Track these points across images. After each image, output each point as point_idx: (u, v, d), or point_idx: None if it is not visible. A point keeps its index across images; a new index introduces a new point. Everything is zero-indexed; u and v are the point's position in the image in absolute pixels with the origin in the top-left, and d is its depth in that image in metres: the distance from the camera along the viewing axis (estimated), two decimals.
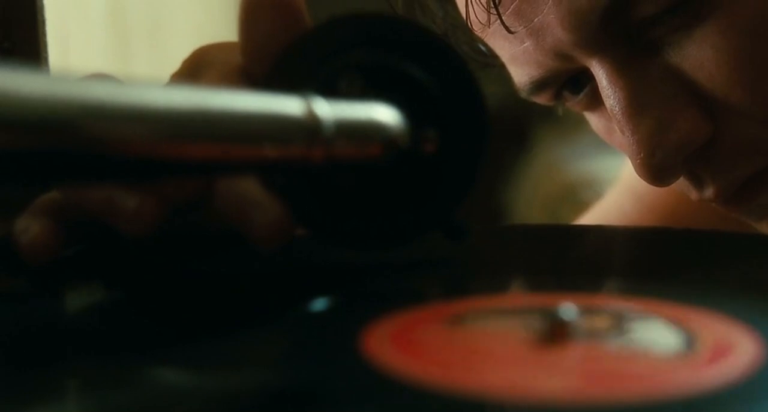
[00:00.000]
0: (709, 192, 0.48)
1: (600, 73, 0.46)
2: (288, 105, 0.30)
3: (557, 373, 0.26)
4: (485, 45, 0.53)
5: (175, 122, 0.26)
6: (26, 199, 0.39)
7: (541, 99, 0.52)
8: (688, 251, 0.40)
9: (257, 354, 0.29)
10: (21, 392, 0.26)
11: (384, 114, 0.34)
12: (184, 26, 1.27)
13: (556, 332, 0.28)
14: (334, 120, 0.31)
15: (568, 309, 0.28)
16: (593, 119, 0.52)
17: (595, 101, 0.49)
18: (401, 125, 0.34)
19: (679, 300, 0.32)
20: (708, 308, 0.31)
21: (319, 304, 0.34)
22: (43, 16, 0.41)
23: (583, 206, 1.53)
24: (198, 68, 0.38)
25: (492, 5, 0.46)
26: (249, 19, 0.36)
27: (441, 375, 0.26)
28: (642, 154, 0.45)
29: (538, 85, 0.50)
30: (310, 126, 0.30)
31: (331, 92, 0.34)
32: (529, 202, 1.78)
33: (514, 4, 0.46)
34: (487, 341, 0.28)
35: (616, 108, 0.45)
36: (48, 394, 0.26)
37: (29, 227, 0.35)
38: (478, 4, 0.47)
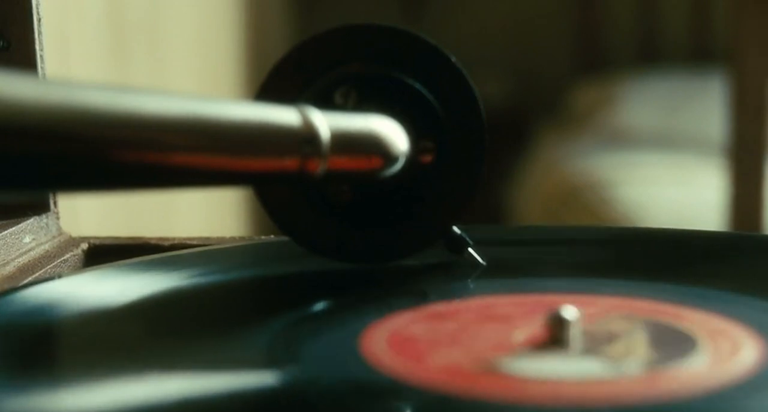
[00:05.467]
0: None
1: None
2: (284, 116, 0.30)
3: (558, 374, 0.26)
4: None
5: (170, 131, 0.26)
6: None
7: None
8: (689, 252, 0.40)
9: (256, 354, 0.29)
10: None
11: (382, 126, 0.33)
12: (183, 26, 1.27)
13: (557, 334, 0.28)
14: (331, 131, 0.30)
15: (570, 311, 0.28)
16: None
17: None
18: (401, 137, 0.34)
19: (681, 301, 0.32)
20: (711, 309, 0.31)
21: (319, 305, 0.34)
22: (39, 14, 0.41)
23: (583, 206, 1.53)
24: None
25: None
26: None
27: (440, 376, 0.26)
28: None
29: None
30: (306, 137, 0.30)
31: (327, 105, 0.33)
32: (529, 203, 1.78)
33: None
34: (486, 342, 0.28)
35: None
36: (42, 394, 0.26)
37: None
38: None
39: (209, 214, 1.39)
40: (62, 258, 0.42)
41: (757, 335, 0.28)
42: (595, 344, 0.28)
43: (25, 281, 0.38)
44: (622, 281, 0.35)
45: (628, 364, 0.26)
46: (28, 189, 0.29)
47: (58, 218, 0.44)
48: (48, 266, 0.40)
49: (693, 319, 0.30)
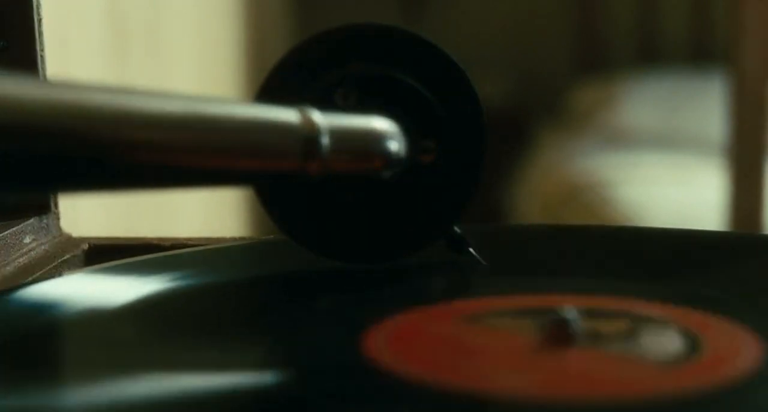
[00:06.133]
0: None
1: None
2: (284, 116, 0.30)
3: (558, 374, 0.26)
4: None
5: (170, 131, 0.26)
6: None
7: None
8: (689, 252, 0.40)
9: (256, 354, 0.29)
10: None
11: (382, 126, 0.33)
12: (183, 27, 1.27)
13: (558, 334, 0.28)
14: (331, 131, 0.30)
15: (570, 311, 0.28)
16: None
17: None
18: (400, 137, 0.34)
19: (680, 301, 0.32)
20: (710, 310, 0.31)
21: (320, 304, 0.34)
22: (39, 14, 0.41)
23: (583, 206, 1.53)
24: None
25: None
26: None
27: (441, 377, 0.26)
28: None
29: None
30: (307, 137, 0.30)
31: (327, 105, 0.33)
32: (529, 203, 1.78)
33: None
34: (487, 342, 0.28)
35: None
36: (41, 394, 0.26)
37: None
38: None
39: (209, 214, 1.39)
40: (62, 259, 0.42)
41: (756, 335, 0.28)
42: (595, 344, 0.28)
43: (25, 281, 0.38)
44: (621, 281, 0.35)
45: (628, 365, 0.26)
46: (27, 190, 0.29)
47: (58, 219, 0.44)
48: (48, 267, 0.40)
49: (692, 319, 0.30)
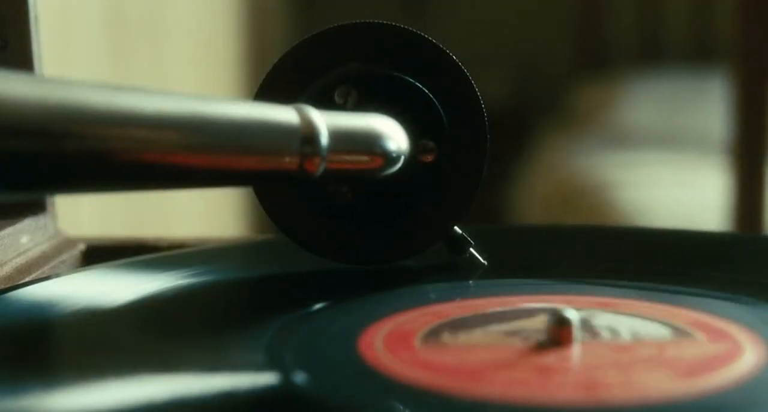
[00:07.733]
0: None
1: None
2: (283, 115, 0.29)
3: (557, 376, 0.26)
4: None
5: (169, 131, 0.26)
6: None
7: None
8: (689, 252, 0.39)
9: (255, 355, 0.29)
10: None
11: (382, 125, 0.33)
12: (183, 27, 1.27)
13: (557, 335, 0.27)
14: (330, 131, 0.30)
15: (569, 311, 0.28)
16: None
17: None
18: (401, 136, 0.34)
19: (681, 302, 0.32)
20: (711, 310, 0.30)
21: (319, 305, 0.34)
22: (36, 12, 0.41)
23: (584, 207, 1.53)
24: None
25: None
26: None
27: (439, 377, 0.26)
28: None
29: None
30: (305, 136, 0.30)
31: (327, 104, 0.33)
32: (529, 203, 1.78)
33: None
34: (487, 342, 0.28)
35: None
36: (39, 394, 0.26)
37: None
38: None
39: (208, 214, 1.39)
40: (60, 259, 0.41)
41: (758, 336, 0.28)
42: (594, 345, 0.28)
43: (22, 281, 0.38)
44: (622, 282, 0.35)
45: (627, 365, 0.26)
46: (23, 191, 0.29)
47: (55, 219, 0.44)
48: (45, 267, 0.40)
49: (693, 320, 0.30)
